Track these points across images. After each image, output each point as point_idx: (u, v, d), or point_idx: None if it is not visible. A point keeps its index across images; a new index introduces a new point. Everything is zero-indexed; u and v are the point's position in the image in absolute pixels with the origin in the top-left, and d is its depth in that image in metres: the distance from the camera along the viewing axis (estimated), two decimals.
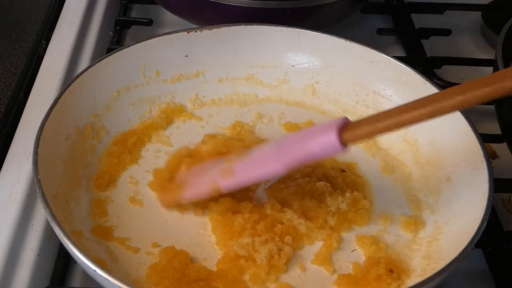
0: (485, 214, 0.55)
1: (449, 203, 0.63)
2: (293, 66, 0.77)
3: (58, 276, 0.60)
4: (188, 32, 0.74)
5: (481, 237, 0.53)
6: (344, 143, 0.53)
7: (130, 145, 0.69)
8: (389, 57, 0.72)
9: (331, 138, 0.53)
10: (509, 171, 0.74)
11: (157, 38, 0.73)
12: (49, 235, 0.61)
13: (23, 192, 0.63)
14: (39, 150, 0.57)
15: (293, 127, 0.74)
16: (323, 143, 0.54)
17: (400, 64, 0.71)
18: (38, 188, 0.54)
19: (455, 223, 0.60)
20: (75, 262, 0.61)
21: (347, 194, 0.64)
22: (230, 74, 0.77)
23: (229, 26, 0.75)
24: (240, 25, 0.75)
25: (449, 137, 0.66)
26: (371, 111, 0.74)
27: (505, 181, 0.69)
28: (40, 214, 0.62)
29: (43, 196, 0.53)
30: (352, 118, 0.73)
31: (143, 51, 0.72)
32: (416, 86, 0.70)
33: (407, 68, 0.71)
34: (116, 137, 0.70)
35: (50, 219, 0.52)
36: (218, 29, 0.74)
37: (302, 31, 0.75)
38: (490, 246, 0.64)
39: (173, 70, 0.75)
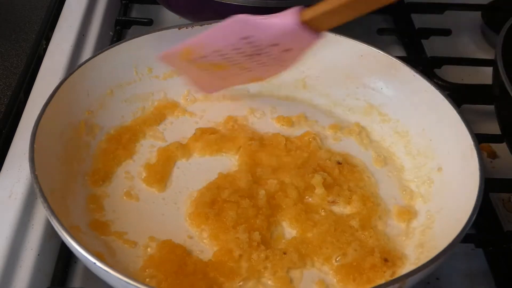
0: (476, 201, 0.56)
1: (441, 192, 0.64)
2: None
3: (59, 277, 0.60)
4: (179, 29, 0.74)
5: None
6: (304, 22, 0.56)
7: (125, 141, 0.69)
8: (378, 50, 0.73)
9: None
10: (509, 171, 0.74)
11: (148, 35, 0.73)
12: (49, 235, 0.61)
13: (23, 192, 0.63)
14: (35, 146, 0.57)
15: (285, 121, 0.74)
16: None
17: (389, 57, 0.72)
18: (36, 183, 0.54)
19: (447, 212, 0.61)
20: (76, 262, 0.61)
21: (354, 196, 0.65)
22: None
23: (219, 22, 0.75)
24: None
25: (439, 127, 0.67)
26: (361, 104, 0.75)
27: (505, 181, 0.70)
28: (40, 214, 0.62)
29: (41, 191, 0.53)
30: (343, 111, 0.76)
31: (135, 48, 0.72)
32: (406, 78, 0.71)
33: (396, 61, 0.72)
34: (110, 133, 0.70)
35: (48, 213, 0.52)
36: (209, 25, 0.74)
37: None
38: (490, 246, 0.65)
39: (165, 66, 0.74)
